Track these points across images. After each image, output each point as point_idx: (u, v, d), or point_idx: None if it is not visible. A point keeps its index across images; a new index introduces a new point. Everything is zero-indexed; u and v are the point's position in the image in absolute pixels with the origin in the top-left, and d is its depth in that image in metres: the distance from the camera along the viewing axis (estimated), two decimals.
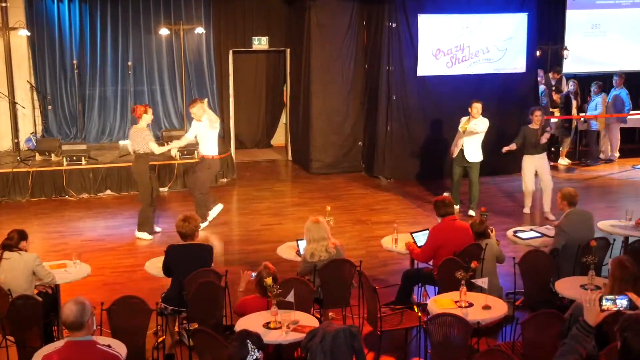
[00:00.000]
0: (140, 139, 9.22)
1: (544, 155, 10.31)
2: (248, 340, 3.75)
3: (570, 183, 11.70)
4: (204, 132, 9.59)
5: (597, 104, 13.53)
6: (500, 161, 11.72)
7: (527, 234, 7.52)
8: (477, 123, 10.08)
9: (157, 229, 9.70)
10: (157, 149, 9.50)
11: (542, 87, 13.59)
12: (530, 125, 10.15)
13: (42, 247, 8.85)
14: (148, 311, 5.55)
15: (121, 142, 13.06)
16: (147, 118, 9.32)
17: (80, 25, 13.04)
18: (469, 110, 10.10)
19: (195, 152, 11.16)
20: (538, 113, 10.12)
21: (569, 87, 13.79)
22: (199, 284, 5.84)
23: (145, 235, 9.46)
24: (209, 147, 9.68)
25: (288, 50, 14.14)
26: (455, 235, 6.68)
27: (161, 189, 10.24)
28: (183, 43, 13.27)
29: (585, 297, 3.71)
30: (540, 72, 13.60)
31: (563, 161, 13.67)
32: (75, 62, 12.91)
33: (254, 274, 5.84)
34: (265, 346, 3.81)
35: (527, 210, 10.51)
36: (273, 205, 11.01)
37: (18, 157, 11.71)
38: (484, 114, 10.20)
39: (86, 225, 10.13)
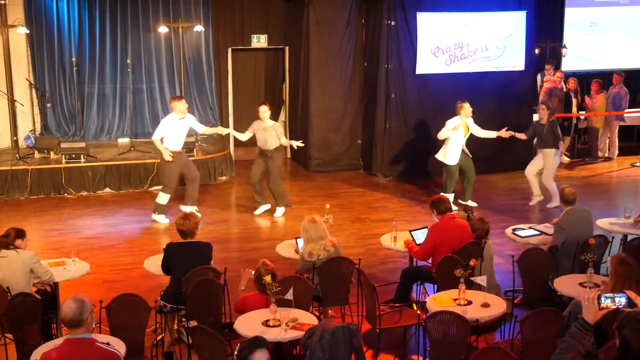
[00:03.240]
0: None
1: (548, 151, 10.31)
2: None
3: (569, 181, 11.70)
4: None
5: (598, 102, 13.52)
6: (498, 158, 11.72)
7: (526, 231, 7.53)
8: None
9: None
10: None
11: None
12: (539, 120, 10.42)
13: (40, 245, 8.85)
14: (147, 309, 5.55)
15: (120, 140, 13.07)
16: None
17: (79, 22, 13.01)
18: (462, 111, 10.15)
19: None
20: (543, 107, 10.38)
21: (568, 85, 13.76)
22: (197, 282, 5.85)
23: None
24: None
25: (287, 48, 14.13)
26: (454, 233, 6.69)
27: None
28: (182, 41, 13.26)
29: (583, 295, 3.72)
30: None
31: (563, 158, 13.68)
32: (74, 59, 12.88)
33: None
34: None
35: (532, 202, 10.58)
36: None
37: (17, 155, 11.68)
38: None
39: (85, 223, 10.13)
